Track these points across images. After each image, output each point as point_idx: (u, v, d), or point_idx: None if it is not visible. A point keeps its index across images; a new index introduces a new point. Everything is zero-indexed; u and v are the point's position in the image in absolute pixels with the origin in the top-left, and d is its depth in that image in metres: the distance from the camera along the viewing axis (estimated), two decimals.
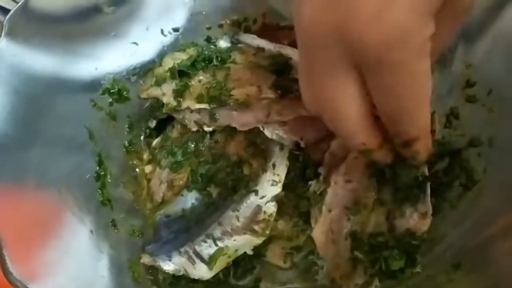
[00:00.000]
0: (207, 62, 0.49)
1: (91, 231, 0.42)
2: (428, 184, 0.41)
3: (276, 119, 0.44)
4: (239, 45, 0.52)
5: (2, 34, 0.41)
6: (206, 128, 0.48)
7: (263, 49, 0.50)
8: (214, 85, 0.46)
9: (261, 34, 0.56)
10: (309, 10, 0.26)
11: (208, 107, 0.46)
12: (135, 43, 0.52)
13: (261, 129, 0.45)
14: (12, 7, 0.44)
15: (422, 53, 0.25)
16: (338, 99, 0.28)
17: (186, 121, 0.49)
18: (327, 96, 0.29)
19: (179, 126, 0.51)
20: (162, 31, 0.54)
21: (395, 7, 0.23)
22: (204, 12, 0.55)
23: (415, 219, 0.40)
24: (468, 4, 0.29)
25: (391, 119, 0.29)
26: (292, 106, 0.43)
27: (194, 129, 0.49)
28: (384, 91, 0.27)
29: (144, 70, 0.53)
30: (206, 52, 0.49)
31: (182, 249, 0.44)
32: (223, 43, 0.55)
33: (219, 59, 0.49)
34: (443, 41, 0.30)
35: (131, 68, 0.52)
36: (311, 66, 0.29)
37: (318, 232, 0.43)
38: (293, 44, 0.47)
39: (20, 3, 0.43)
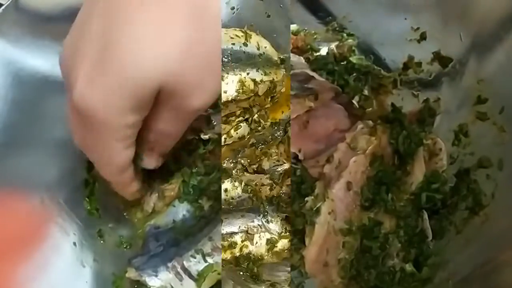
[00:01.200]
0: None
1: (74, 243, 0.41)
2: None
3: None
4: None
5: None
6: (202, 136, 0.46)
7: None
8: None
9: None
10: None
11: (204, 113, 0.44)
12: None
13: None
14: (5, 2, 0.42)
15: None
16: None
17: None
18: None
19: None
20: None
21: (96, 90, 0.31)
22: None
23: None
24: None
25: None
26: None
27: (190, 137, 0.47)
28: None
29: None
30: None
31: (169, 264, 0.42)
32: None
33: None
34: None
35: None
36: None
37: (311, 251, 0.40)
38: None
39: (10, 0, 0.42)
